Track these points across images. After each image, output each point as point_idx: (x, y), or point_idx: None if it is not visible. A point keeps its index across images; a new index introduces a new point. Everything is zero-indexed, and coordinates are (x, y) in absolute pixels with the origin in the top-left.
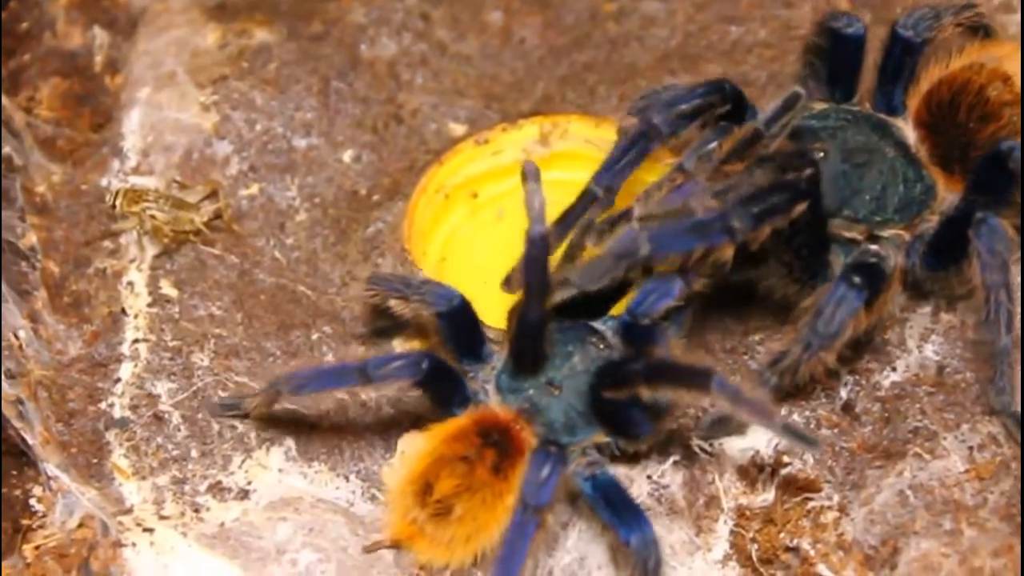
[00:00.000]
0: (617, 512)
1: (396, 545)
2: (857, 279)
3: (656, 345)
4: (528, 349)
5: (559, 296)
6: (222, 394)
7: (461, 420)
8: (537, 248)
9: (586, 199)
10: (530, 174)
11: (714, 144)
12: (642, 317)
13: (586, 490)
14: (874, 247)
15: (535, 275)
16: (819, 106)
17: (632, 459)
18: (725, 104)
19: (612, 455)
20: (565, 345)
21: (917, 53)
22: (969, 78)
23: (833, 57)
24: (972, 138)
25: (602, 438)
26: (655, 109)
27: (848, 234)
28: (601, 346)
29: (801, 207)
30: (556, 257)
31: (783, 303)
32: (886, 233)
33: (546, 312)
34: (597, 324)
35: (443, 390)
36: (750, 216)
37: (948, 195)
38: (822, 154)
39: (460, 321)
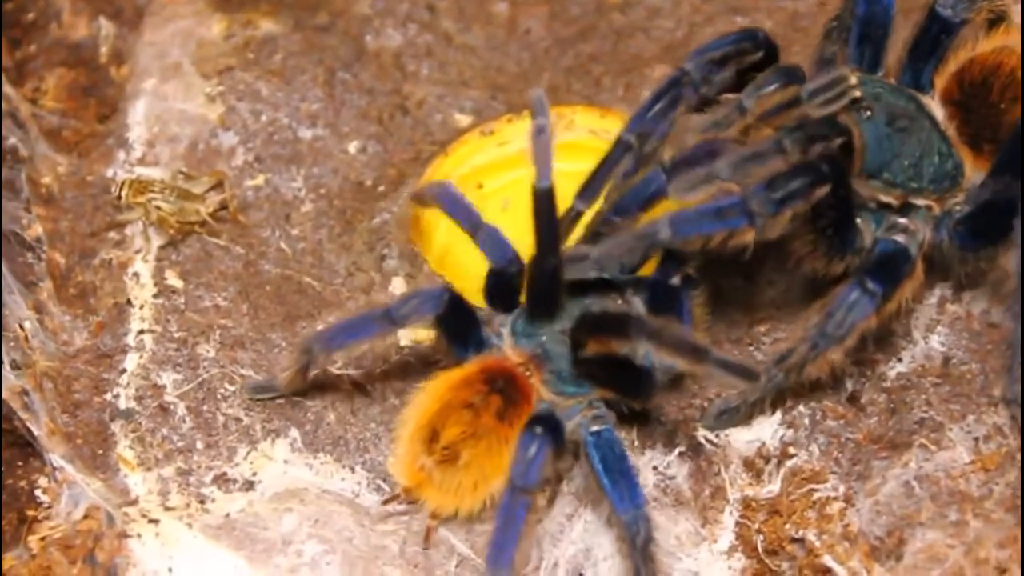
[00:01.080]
0: (614, 480)
1: (407, 493)
2: (871, 284)
3: (676, 306)
4: (543, 298)
5: (578, 273)
6: (228, 386)
7: (468, 367)
8: (543, 202)
9: (620, 148)
10: (539, 107)
11: (774, 87)
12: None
13: (588, 446)
14: (903, 220)
15: (544, 228)
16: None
17: (641, 416)
18: (758, 52)
19: (619, 412)
20: (584, 296)
21: (952, 33)
22: (1001, 60)
23: (865, 21)
24: (1003, 118)
25: (608, 393)
26: (687, 57)
27: (884, 198)
28: (619, 301)
29: (822, 191)
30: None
31: (811, 276)
32: (920, 202)
33: (560, 263)
34: (619, 280)
35: (460, 328)
36: (771, 201)
37: (974, 174)
38: (868, 113)
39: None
